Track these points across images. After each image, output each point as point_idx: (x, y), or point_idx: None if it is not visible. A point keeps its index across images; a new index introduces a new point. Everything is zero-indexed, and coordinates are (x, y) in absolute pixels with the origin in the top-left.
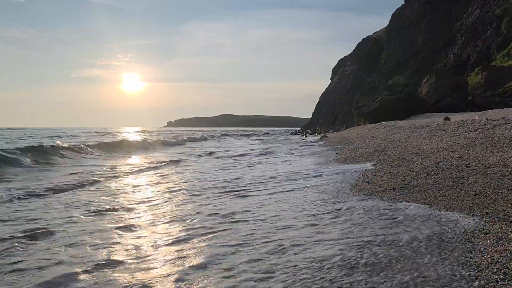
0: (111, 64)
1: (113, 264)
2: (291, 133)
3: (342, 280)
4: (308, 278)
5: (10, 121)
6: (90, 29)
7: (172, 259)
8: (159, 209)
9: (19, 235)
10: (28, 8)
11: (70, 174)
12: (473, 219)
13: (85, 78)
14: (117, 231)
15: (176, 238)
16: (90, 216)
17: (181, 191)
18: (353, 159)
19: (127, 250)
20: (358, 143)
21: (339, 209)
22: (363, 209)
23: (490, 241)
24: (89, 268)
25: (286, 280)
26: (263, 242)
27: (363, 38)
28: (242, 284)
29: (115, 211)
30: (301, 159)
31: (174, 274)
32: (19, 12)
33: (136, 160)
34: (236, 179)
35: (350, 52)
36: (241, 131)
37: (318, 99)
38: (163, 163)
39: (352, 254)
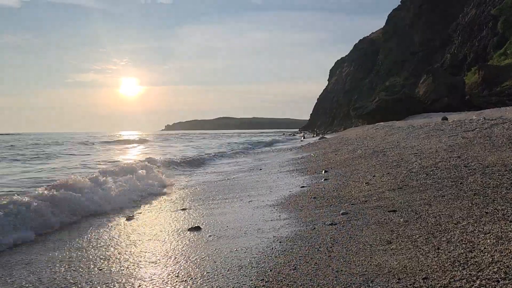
0: (108, 68)
1: None
2: (290, 134)
3: None
4: None
5: (4, 126)
6: (85, 34)
7: None
8: None
9: None
10: (23, 14)
11: None
12: None
13: (81, 82)
14: None
15: None
16: None
17: None
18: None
19: None
20: (357, 144)
21: None
22: None
23: (490, 241)
24: None
25: None
26: None
27: (360, 39)
28: None
29: None
30: None
31: None
32: (14, 18)
33: None
34: None
35: (347, 53)
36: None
37: (316, 101)
38: None
39: None
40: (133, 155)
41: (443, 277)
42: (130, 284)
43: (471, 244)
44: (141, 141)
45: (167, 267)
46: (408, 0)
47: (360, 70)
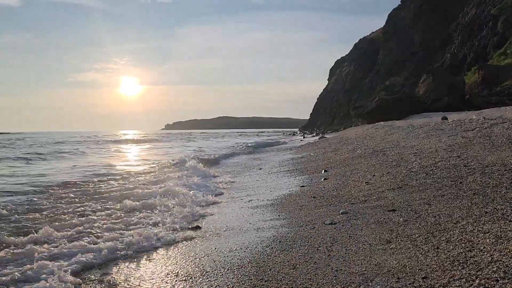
0: (108, 68)
1: None
2: (289, 134)
3: None
4: None
5: (6, 126)
6: (85, 34)
7: None
8: None
9: None
10: (23, 13)
11: None
12: None
13: (81, 82)
14: None
15: None
16: None
17: None
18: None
19: None
20: (357, 143)
21: None
22: None
23: (489, 240)
24: None
25: None
26: None
27: (360, 39)
28: None
29: None
30: None
31: None
32: (14, 17)
33: None
34: None
35: (347, 53)
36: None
37: (316, 100)
38: None
39: None
40: (157, 154)
41: (443, 277)
42: (130, 283)
43: (471, 243)
44: (150, 140)
45: (166, 266)
46: (408, 0)
47: (360, 70)
